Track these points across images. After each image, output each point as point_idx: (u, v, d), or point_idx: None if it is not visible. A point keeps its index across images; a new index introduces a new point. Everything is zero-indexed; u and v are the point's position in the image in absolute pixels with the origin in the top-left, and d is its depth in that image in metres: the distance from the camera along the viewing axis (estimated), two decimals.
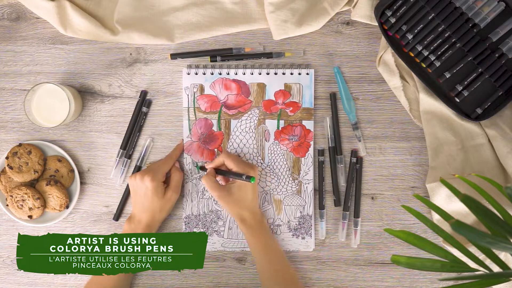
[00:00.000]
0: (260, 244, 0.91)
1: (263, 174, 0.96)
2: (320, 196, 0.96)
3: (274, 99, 0.96)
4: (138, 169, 0.97)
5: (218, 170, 0.93)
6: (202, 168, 0.95)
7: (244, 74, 0.96)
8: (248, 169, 0.91)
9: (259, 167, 0.96)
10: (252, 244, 0.92)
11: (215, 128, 0.96)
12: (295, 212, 0.96)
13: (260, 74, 0.96)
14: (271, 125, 0.96)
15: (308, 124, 0.96)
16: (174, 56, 0.96)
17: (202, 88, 0.96)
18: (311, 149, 0.96)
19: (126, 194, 0.97)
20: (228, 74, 0.96)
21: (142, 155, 0.96)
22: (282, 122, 0.96)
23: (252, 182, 0.88)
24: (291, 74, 0.95)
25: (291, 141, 0.96)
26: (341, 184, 0.96)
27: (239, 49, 0.96)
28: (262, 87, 0.96)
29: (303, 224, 0.96)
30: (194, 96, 0.96)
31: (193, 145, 0.96)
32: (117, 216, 0.97)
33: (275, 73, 0.95)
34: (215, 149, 0.96)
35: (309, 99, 0.96)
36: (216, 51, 0.96)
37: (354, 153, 0.96)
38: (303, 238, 0.96)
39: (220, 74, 0.96)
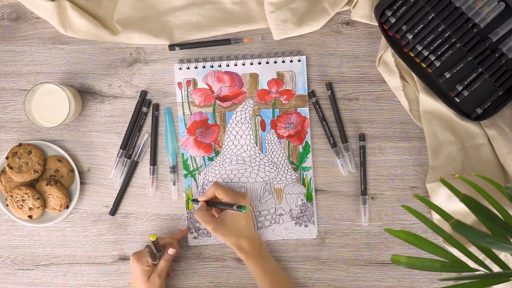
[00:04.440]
0: (261, 269, 0.90)
1: (261, 164, 0.96)
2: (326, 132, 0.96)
3: (267, 88, 0.96)
4: (135, 164, 0.97)
5: (209, 202, 0.92)
6: (195, 201, 0.95)
7: (236, 65, 0.96)
8: (239, 197, 0.90)
9: (257, 157, 0.96)
10: (253, 270, 0.90)
11: (210, 121, 0.96)
12: (296, 200, 0.96)
13: (251, 64, 0.96)
14: (266, 114, 0.96)
15: (304, 111, 0.96)
16: (171, 47, 0.96)
17: (195, 82, 0.96)
18: (308, 136, 0.96)
19: (123, 189, 0.97)
20: (220, 66, 0.96)
21: (139, 150, 0.96)
22: (277, 111, 0.96)
23: (243, 211, 0.87)
24: (283, 62, 0.95)
25: (287, 129, 0.96)
26: (352, 171, 0.96)
27: (238, 40, 0.96)
28: (254, 77, 0.96)
29: (305, 212, 0.96)
30: (187, 91, 0.96)
31: (189, 140, 0.96)
32: (113, 211, 0.97)
33: (267, 62, 0.95)
34: (212, 143, 0.96)
35: (302, 86, 0.96)
36: (214, 42, 0.96)
37: (361, 137, 0.96)
38: (306, 226, 0.96)
39: (212, 67, 0.96)
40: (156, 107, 0.96)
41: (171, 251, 0.91)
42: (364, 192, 0.95)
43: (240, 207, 0.87)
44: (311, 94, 0.96)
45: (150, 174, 0.97)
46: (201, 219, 0.90)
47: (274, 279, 0.90)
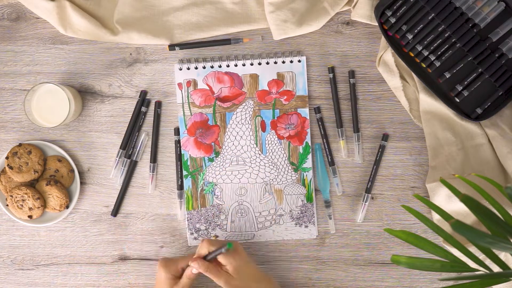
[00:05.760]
0: None
1: (262, 165, 0.96)
2: (328, 149, 0.96)
3: (267, 89, 0.96)
4: (134, 164, 0.97)
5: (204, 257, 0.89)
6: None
7: (236, 66, 0.96)
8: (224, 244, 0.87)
9: (258, 158, 0.96)
10: None
11: (210, 122, 0.96)
12: (296, 201, 0.96)
13: (252, 64, 0.96)
14: (267, 115, 0.96)
15: (304, 112, 0.96)
16: (171, 47, 0.96)
17: (195, 83, 0.96)
18: (308, 137, 0.96)
19: (124, 189, 0.97)
20: (220, 67, 0.96)
21: (138, 150, 0.96)
22: (277, 112, 0.96)
23: (230, 247, 0.83)
24: (283, 62, 0.95)
25: (287, 130, 0.96)
26: (358, 162, 0.96)
27: (238, 40, 0.96)
28: (255, 77, 0.96)
29: (305, 212, 0.96)
30: (188, 92, 0.96)
31: (190, 141, 0.96)
32: (115, 212, 0.97)
33: (267, 63, 0.96)
34: (212, 143, 0.96)
35: (302, 87, 0.96)
36: (214, 42, 0.96)
37: (384, 136, 0.95)
38: (306, 226, 0.96)
39: (212, 67, 0.96)
40: (159, 104, 0.96)
41: (194, 269, 0.87)
42: (369, 190, 0.95)
43: (227, 246, 0.83)
44: (317, 110, 0.96)
45: (150, 171, 0.97)
46: (211, 274, 0.86)
47: None
